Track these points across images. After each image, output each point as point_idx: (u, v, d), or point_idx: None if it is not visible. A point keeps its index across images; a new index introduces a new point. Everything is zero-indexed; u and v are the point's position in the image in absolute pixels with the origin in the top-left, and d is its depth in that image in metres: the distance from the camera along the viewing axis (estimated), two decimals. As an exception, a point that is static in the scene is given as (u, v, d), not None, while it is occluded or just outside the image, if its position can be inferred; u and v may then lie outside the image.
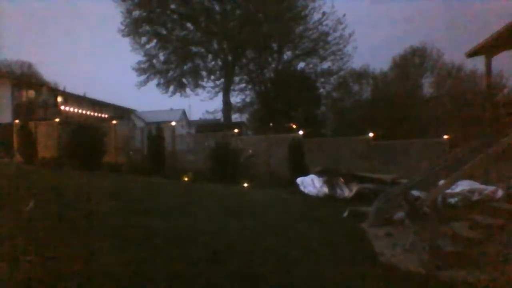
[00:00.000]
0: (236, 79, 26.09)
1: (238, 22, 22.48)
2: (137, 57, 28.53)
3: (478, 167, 6.72)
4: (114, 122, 18.41)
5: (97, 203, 7.07)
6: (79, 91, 31.82)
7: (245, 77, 26.26)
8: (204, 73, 25.75)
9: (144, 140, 16.07)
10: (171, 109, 44.42)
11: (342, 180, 11.02)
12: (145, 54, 24.12)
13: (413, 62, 25.93)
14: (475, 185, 8.92)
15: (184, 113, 46.75)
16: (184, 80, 25.65)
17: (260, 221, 7.13)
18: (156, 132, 14.99)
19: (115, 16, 33.46)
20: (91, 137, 14.17)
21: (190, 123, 44.42)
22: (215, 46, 24.23)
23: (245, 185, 12.85)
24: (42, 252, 4.30)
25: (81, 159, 13.53)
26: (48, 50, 79.10)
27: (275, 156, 15.33)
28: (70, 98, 29.52)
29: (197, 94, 26.50)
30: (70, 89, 29.87)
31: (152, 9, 22.66)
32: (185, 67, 25.16)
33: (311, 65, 25.16)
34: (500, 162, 7.95)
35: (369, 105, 24.11)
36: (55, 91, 28.18)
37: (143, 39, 23.67)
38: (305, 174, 12.24)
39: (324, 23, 23.13)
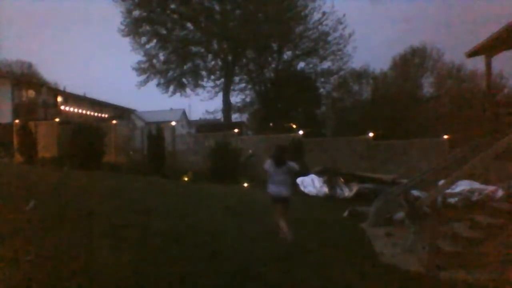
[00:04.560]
0: (236, 79, 26.11)
1: (238, 22, 22.48)
2: (137, 57, 28.58)
3: (478, 167, 6.71)
4: (114, 122, 18.39)
5: (97, 203, 7.07)
6: (79, 91, 31.88)
7: (245, 77, 26.27)
8: (204, 73, 25.79)
9: (144, 140, 16.03)
10: (171, 109, 44.30)
11: (342, 180, 11.02)
12: (145, 54, 24.13)
13: (413, 62, 25.91)
14: (475, 185, 8.90)
15: (184, 113, 46.63)
16: (184, 80, 25.67)
17: (260, 220, 7.13)
18: (156, 132, 14.97)
19: (115, 16, 33.52)
20: (91, 137, 14.15)
21: (190, 123, 44.32)
22: (215, 46, 24.21)
23: (245, 185, 12.84)
24: (42, 252, 4.30)
25: (81, 159, 13.52)
26: (48, 50, 78.89)
27: (275, 156, 15.27)
28: (70, 98, 29.46)
29: (197, 94, 26.61)
30: (70, 89, 29.88)
31: (152, 9, 22.68)
32: (185, 67, 25.16)
33: (311, 65, 25.21)
34: (500, 162, 7.94)
35: (369, 105, 24.11)
36: (55, 91, 28.12)
37: (143, 39, 23.69)
38: (305, 174, 12.23)
39: (324, 23, 23.19)
